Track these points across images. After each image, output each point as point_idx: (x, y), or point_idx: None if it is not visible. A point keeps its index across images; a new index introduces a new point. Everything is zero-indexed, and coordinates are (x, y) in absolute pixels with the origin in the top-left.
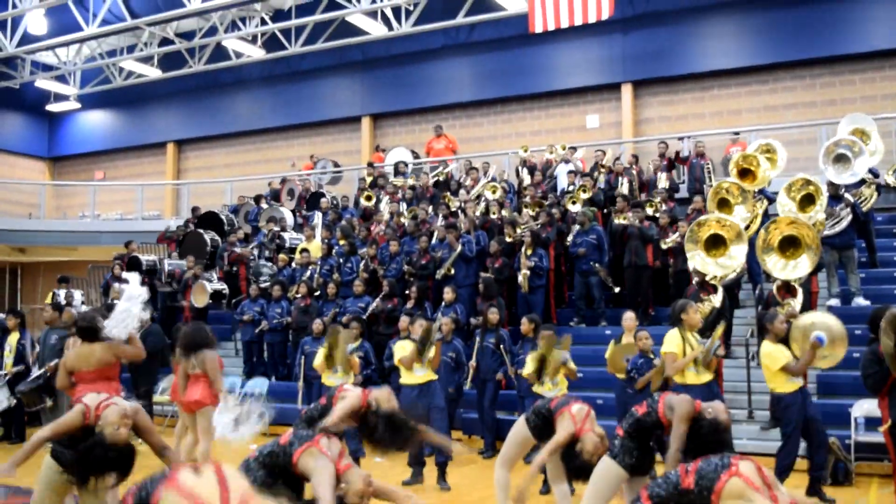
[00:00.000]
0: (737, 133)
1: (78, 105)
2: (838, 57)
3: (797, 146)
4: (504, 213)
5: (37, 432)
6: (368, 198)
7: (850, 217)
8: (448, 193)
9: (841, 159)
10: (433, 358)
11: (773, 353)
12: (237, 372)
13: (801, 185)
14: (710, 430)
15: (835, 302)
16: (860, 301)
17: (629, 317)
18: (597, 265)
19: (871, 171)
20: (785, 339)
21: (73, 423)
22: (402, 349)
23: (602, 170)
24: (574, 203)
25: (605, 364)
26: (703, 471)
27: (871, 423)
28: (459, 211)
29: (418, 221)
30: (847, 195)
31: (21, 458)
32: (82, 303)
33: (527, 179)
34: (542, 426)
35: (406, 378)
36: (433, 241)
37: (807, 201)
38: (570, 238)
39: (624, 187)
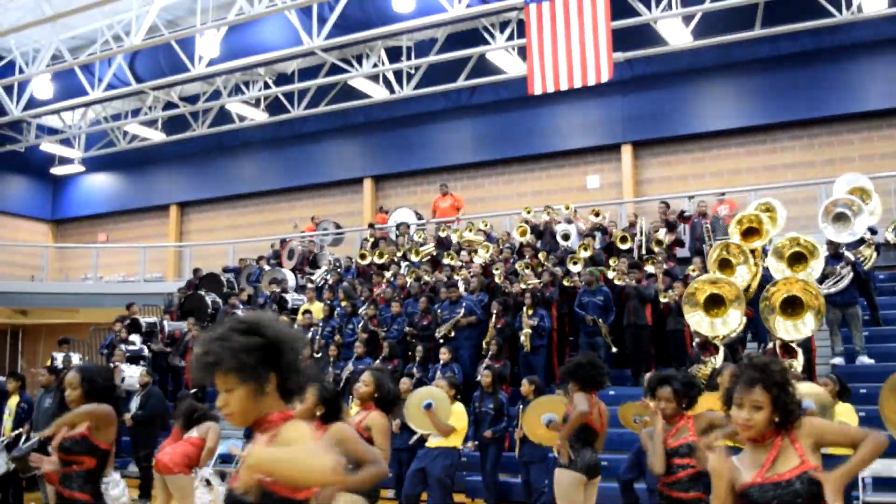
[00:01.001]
0: (722, 194)
1: (82, 168)
2: (836, 117)
3: (796, 205)
4: (518, 266)
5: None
6: (363, 256)
7: (851, 275)
8: (452, 251)
9: (840, 218)
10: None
11: None
12: (238, 434)
13: (790, 245)
14: None
15: (839, 360)
16: (864, 359)
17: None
18: (599, 320)
19: (869, 229)
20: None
21: None
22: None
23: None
24: (575, 263)
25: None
26: None
27: (879, 484)
28: (462, 271)
29: (422, 283)
30: (847, 254)
31: None
32: None
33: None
34: None
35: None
36: (437, 290)
37: (795, 260)
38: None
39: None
